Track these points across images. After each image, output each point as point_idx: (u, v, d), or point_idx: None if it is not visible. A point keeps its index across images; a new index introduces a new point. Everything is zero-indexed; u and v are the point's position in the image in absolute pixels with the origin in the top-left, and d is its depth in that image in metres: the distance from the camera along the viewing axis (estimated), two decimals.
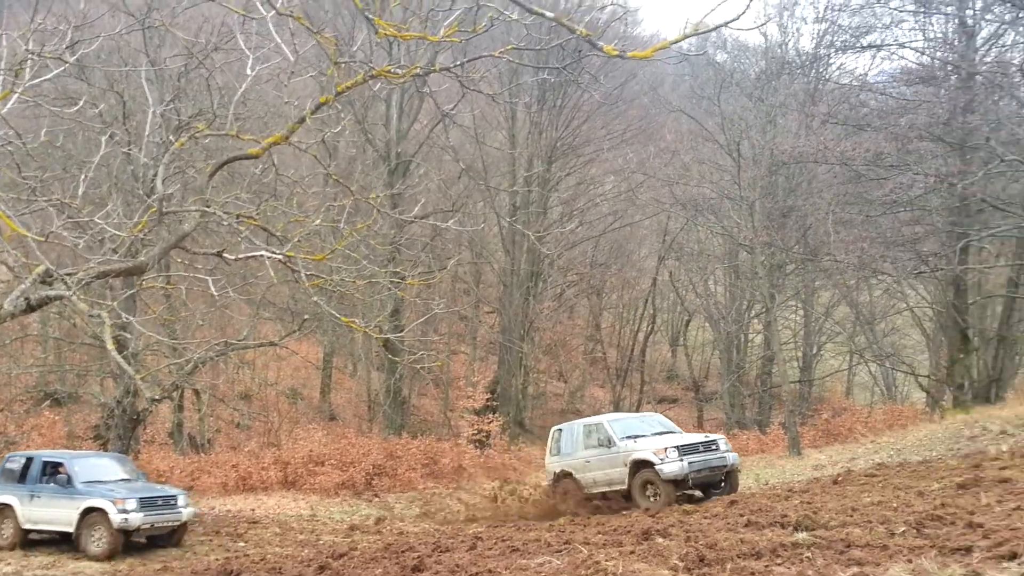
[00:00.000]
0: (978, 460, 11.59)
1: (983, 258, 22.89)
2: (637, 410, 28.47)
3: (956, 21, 20.73)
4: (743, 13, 4.64)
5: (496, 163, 29.21)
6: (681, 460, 14.00)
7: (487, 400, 25.88)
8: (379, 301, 20.98)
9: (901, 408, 24.70)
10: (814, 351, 29.87)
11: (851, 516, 8.75)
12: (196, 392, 19.97)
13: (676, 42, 4.58)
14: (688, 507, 13.00)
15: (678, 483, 14.09)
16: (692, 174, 28.87)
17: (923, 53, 21.04)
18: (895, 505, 9.48)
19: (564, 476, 15.88)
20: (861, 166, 17.82)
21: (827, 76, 27.94)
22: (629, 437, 15.17)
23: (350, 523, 15.96)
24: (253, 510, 17.13)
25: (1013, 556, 4.98)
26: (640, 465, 14.44)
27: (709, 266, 31.33)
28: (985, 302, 24.07)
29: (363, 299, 16.72)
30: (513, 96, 26.17)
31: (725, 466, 14.66)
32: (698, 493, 14.89)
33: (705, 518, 10.93)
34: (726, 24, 4.96)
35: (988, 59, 20.05)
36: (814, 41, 28.91)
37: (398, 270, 15.56)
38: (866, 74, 25.46)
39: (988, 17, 20.28)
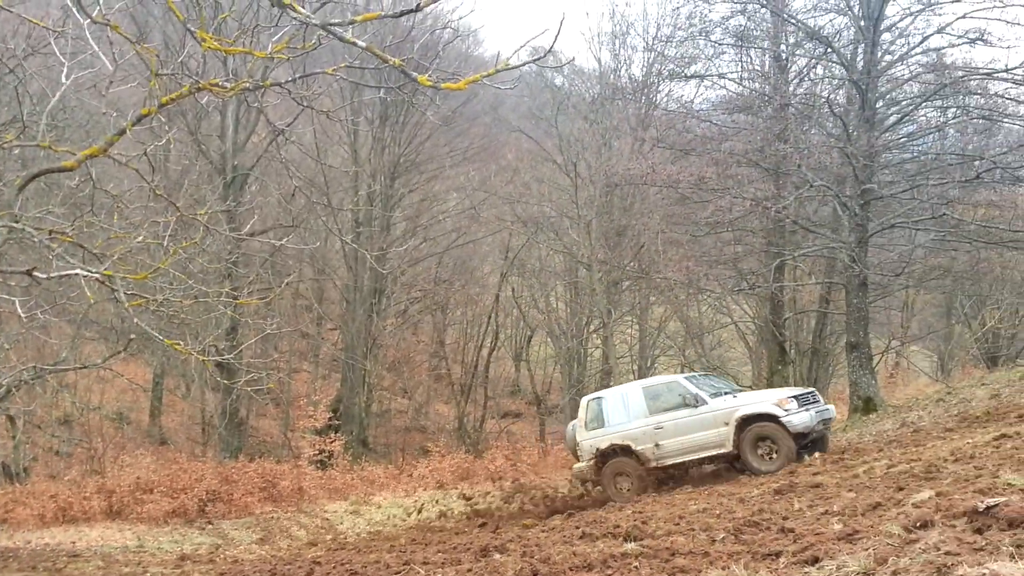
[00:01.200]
0: (793, 466, 12.41)
1: (797, 276, 24.68)
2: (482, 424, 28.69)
3: (771, 55, 22.41)
4: (546, 54, 4.86)
5: (339, 178, 28.76)
6: (807, 410, 12.89)
7: (329, 419, 25.33)
8: (214, 320, 20.18)
9: None
10: (648, 364, 31.12)
11: (677, 525, 9.16)
12: (9, 418, 18.47)
13: (488, 76, 4.69)
14: (527, 521, 13.20)
15: (802, 437, 12.86)
16: (532, 192, 29.53)
17: (741, 84, 22.55)
18: (718, 512, 9.98)
19: (614, 452, 13.97)
20: (686, 189, 18.83)
21: (656, 102, 29.35)
22: (714, 395, 13.82)
23: (180, 553, 15.17)
24: (74, 543, 15.97)
25: (815, 560, 5.39)
26: (752, 420, 13.01)
27: (550, 282, 32.03)
28: (800, 317, 25.92)
29: (193, 319, 15.99)
30: (355, 113, 25.93)
31: (832, 419, 14.06)
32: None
33: (543, 531, 11.14)
34: (532, 62, 5.15)
35: (799, 91, 21.73)
36: (644, 69, 30.31)
37: (230, 289, 15.00)
38: (692, 101, 26.90)
39: (799, 52, 22.03)
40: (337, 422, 25.87)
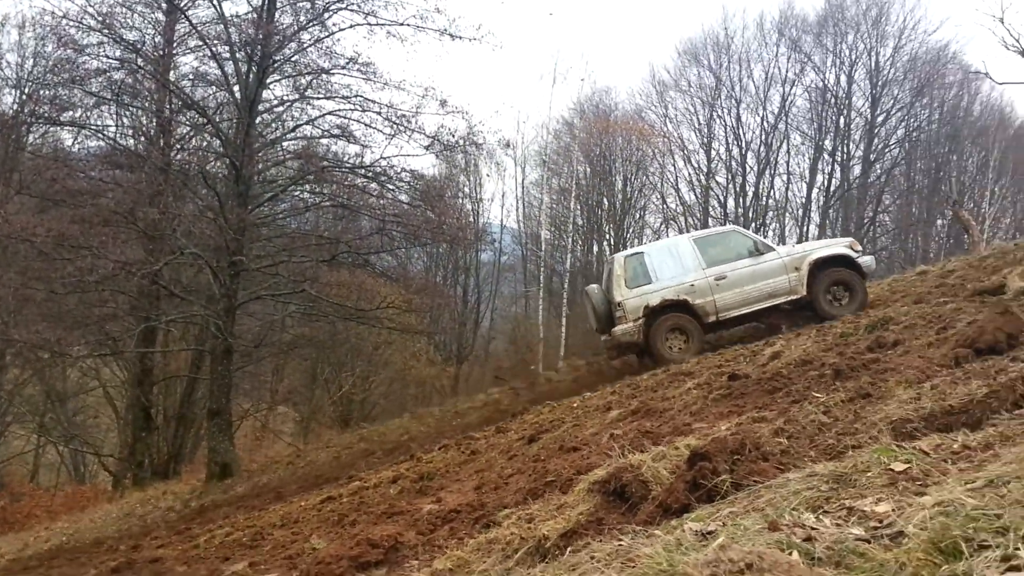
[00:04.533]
0: (138, 540, 11.97)
1: (169, 340, 24.34)
2: None
3: (155, 116, 22.06)
4: None
5: None
6: (870, 254, 13.24)
7: None
8: None
9: (85, 489, 24.32)
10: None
11: None
12: None
13: None
14: None
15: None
16: None
17: (119, 139, 21.73)
18: None
19: (668, 307, 12.91)
20: (44, 244, 17.23)
21: (27, 144, 26.46)
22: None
23: None
24: None
25: None
26: (826, 264, 12.77)
27: None
28: (171, 382, 25.51)
29: None
30: None
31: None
32: None
33: None
34: None
35: (179, 156, 21.75)
36: (14, 106, 27.10)
37: None
38: (70, 148, 24.92)
39: (182, 118, 22.12)
40: None
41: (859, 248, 13.55)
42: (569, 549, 3.30)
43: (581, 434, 8.58)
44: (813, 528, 2.44)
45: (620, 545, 3.02)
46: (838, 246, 13.55)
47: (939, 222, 39.29)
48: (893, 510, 2.58)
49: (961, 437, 3.32)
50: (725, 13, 49.48)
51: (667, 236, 40.19)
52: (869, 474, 3.03)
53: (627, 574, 2.45)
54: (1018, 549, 2.02)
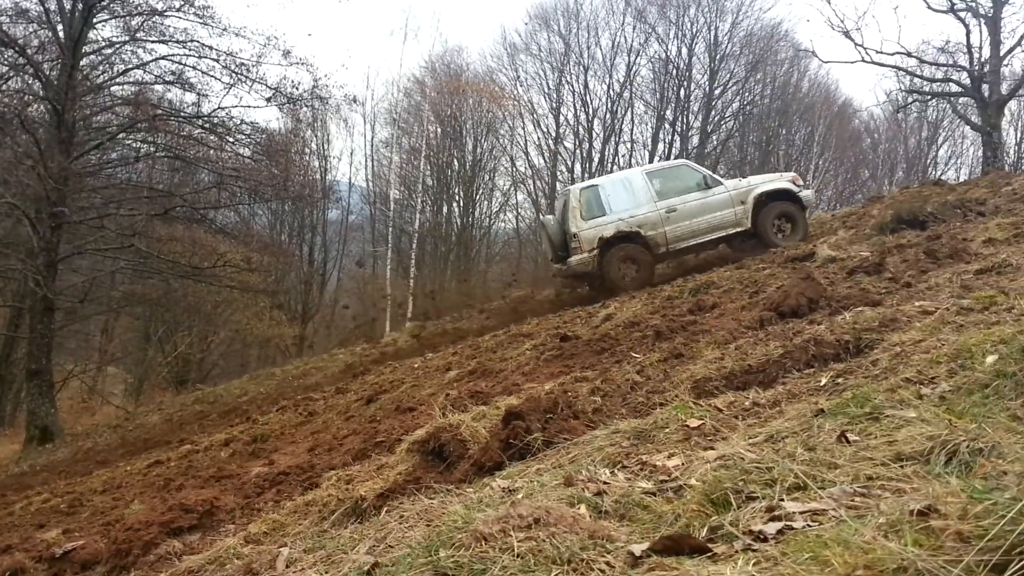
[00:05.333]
0: None
1: None
2: None
3: None
4: None
5: None
6: (809, 188, 13.27)
7: None
8: None
9: None
10: None
11: None
12: None
13: None
14: None
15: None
16: None
17: None
18: None
19: (621, 239, 13.13)
20: None
21: None
22: None
23: None
24: None
25: None
26: (770, 198, 13.42)
27: None
28: None
29: None
30: None
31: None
32: None
33: None
34: None
35: None
36: None
37: None
38: None
39: None
40: None
41: (800, 183, 14.15)
42: (384, 509, 3.31)
43: (419, 394, 8.63)
44: (606, 483, 2.56)
45: (431, 503, 3.06)
46: (781, 180, 14.11)
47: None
48: (682, 464, 2.73)
49: (753, 395, 3.56)
50: None
51: (518, 197, 40.77)
52: (667, 430, 3.20)
53: (426, 531, 2.49)
54: (782, 500, 2.18)
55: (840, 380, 3.46)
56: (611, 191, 13.71)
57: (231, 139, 20.90)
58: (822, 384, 3.49)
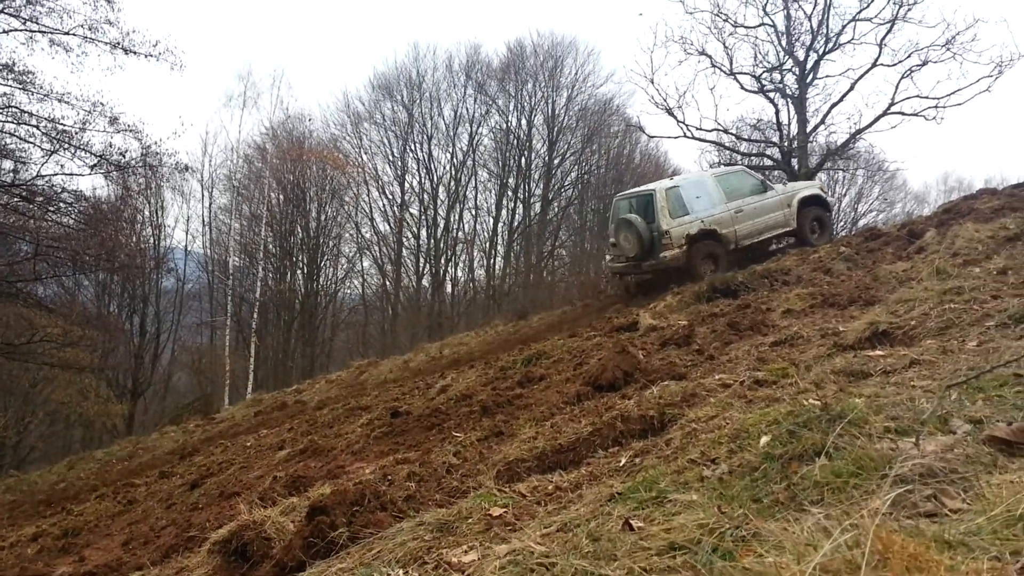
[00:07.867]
0: None
1: None
2: None
3: None
4: None
5: None
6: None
7: None
8: None
9: None
10: None
11: None
12: None
13: None
14: None
15: None
16: None
17: None
18: None
19: (703, 236, 14.17)
20: None
21: None
22: None
23: None
24: None
25: None
26: (809, 202, 15.00)
27: None
28: None
29: None
30: None
31: None
32: None
33: None
34: None
35: None
36: None
37: None
38: None
39: None
40: None
41: (826, 189, 16.96)
42: None
43: (245, 477, 8.27)
44: None
45: None
46: (814, 187, 15.83)
47: (607, 257, 43.14)
48: (478, 559, 2.74)
49: (556, 478, 3.63)
50: (417, 51, 50.79)
51: (363, 263, 40.37)
52: (470, 520, 3.20)
53: None
54: None
55: (637, 460, 3.59)
56: (689, 192, 14.57)
57: (51, 208, 19.71)
58: (621, 464, 3.61)
